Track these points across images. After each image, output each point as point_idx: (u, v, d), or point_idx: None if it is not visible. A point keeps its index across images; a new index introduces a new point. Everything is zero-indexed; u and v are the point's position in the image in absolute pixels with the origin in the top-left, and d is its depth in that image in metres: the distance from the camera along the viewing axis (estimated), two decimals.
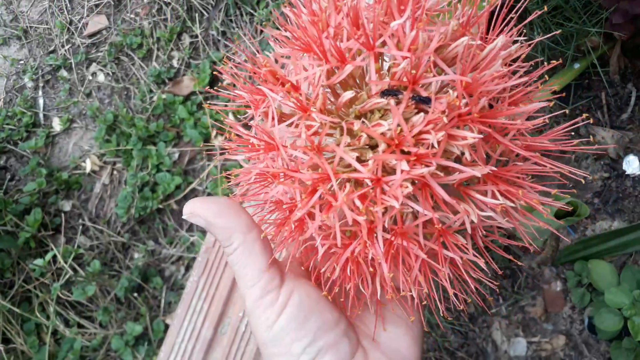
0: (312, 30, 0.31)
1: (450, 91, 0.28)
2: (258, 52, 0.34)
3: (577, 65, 0.88)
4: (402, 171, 0.27)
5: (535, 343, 0.92)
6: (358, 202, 0.28)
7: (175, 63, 1.45)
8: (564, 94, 0.69)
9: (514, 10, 0.37)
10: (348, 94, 0.30)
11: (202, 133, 1.35)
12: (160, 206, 1.34)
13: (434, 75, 0.28)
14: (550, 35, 0.40)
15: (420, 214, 0.28)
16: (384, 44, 0.30)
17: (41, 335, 1.28)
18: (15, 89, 1.50)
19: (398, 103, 0.29)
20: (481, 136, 0.28)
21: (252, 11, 1.41)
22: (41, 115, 1.48)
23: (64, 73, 1.49)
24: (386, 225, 0.30)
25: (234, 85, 0.35)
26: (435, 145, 0.27)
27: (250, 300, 0.34)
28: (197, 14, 1.46)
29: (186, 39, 1.46)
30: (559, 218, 0.69)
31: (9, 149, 1.45)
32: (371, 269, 0.33)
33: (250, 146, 0.34)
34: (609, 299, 0.77)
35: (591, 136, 0.94)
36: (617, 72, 0.88)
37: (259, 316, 0.34)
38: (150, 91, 1.43)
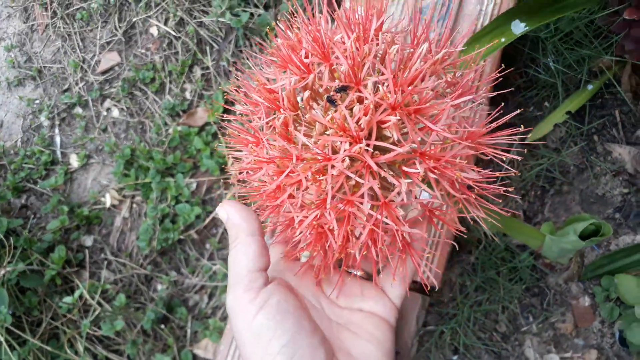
0: (288, 52, 0.41)
1: (381, 87, 0.37)
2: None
3: (590, 87, 0.91)
4: (344, 150, 0.35)
5: (568, 359, 0.93)
6: (309, 175, 0.36)
7: (188, 95, 1.48)
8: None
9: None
10: (306, 93, 0.39)
11: (218, 162, 1.38)
12: (182, 237, 1.36)
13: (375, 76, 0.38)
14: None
15: (364, 184, 0.36)
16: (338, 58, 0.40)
17: None
18: (32, 129, 1.53)
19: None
20: (397, 118, 0.35)
21: (261, 42, 1.44)
22: (59, 153, 1.50)
23: (79, 110, 1.52)
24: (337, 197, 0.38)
25: (242, 104, 0.46)
26: (363, 125, 0.35)
27: (231, 296, 0.37)
28: (207, 47, 1.49)
29: (197, 71, 1.49)
30: (583, 239, 0.72)
31: (29, 188, 1.47)
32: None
33: (245, 142, 0.43)
34: (639, 313, 0.78)
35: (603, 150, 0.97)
36: (630, 90, 0.90)
37: (238, 313, 0.37)
38: (165, 124, 1.46)
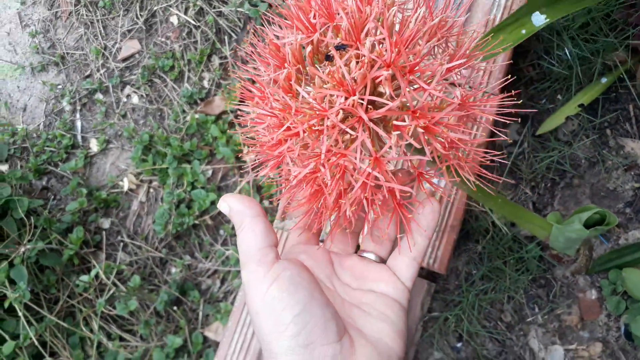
0: (297, 12, 0.43)
1: (377, 45, 0.39)
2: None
3: (604, 80, 0.90)
4: (339, 104, 0.37)
5: (572, 351, 0.94)
6: (306, 127, 0.38)
7: (206, 84, 1.51)
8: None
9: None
10: (309, 48, 0.42)
11: (234, 150, 1.40)
12: (196, 222, 1.38)
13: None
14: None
15: (358, 137, 0.37)
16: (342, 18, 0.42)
17: (84, 348, 1.33)
18: (54, 113, 1.57)
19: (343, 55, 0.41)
20: (389, 72, 0.37)
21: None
22: (79, 137, 1.54)
23: (99, 96, 1.56)
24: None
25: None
26: (358, 79, 0.37)
27: (246, 272, 0.39)
28: (226, 36, 1.51)
29: (216, 61, 1.52)
30: (588, 227, 0.72)
31: (50, 170, 1.51)
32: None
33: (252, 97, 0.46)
34: None
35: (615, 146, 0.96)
36: None
37: (252, 286, 0.38)
38: (183, 111, 1.49)
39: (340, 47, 0.41)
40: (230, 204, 0.43)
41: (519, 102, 0.47)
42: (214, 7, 1.52)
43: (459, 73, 0.49)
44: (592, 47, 0.87)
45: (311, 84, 0.44)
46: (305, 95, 0.40)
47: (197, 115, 1.46)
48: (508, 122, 0.47)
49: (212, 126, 1.43)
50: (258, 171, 0.45)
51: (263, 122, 0.43)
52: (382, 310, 0.42)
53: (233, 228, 1.39)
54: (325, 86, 0.40)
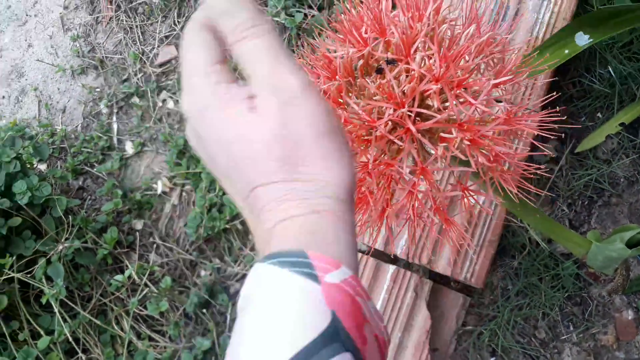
0: (350, 27, 0.45)
1: (426, 60, 0.40)
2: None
3: None
4: (388, 115, 0.39)
5: None
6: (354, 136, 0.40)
7: None
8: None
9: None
10: (360, 62, 0.44)
11: None
12: (227, 226, 1.41)
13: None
14: None
15: (404, 147, 0.39)
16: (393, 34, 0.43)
17: (115, 346, 1.36)
18: (92, 115, 1.61)
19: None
20: (438, 86, 0.38)
21: (313, 41, 1.48)
22: (115, 140, 1.58)
23: (136, 100, 1.59)
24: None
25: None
26: (407, 92, 0.38)
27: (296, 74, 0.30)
28: None
29: None
30: (630, 247, 0.72)
31: (86, 171, 1.55)
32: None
33: None
34: None
35: None
36: None
37: (308, 86, 0.30)
38: None
39: (391, 62, 0.42)
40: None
41: (563, 118, 0.47)
42: None
43: (503, 89, 0.50)
44: (635, 65, 0.87)
45: (361, 96, 0.46)
46: (354, 107, 0.42)
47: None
48: (548, 138, 0.48)
49: None
50: None
51: None
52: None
53: None
54: (375, 98, 0.41)
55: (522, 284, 0.96)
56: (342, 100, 0.45)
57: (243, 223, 1.42)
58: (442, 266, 0.81)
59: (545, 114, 0.47)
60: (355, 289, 0.26)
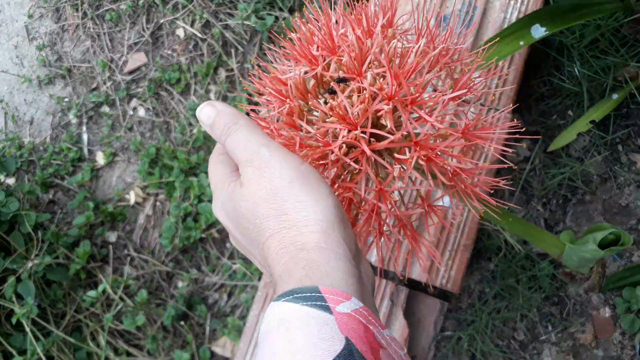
0: (300, 45, 0.44)
1: (377, 79, 0.39)
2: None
3: (615, 96, 0.90)
4: (342, 137, 0.38)
5: None
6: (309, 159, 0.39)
7: (212, 96, 1.51)
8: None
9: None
10: (312, 82, 0.42)
11: None
12: (203, 235, 1.38)
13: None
14: None
15: (361, 169, 0.38)
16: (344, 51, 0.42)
17: None
18: (61, 126, 1.57)
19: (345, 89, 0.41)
20: (389, 107, 0.37)
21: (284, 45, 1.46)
22: (85, 150, 1.54)
23: (106, 109, 1.56)
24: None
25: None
26: (356, 113, 0.37)
27: (266, 150, 0.35)
28: (232, 49, 1.51)
29: (222, 73, 1.52)
30: (602, 248, 0.71)
31: (56, 184, 1.51)
32: None
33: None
34: None
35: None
36: None
37: (281, 160, 0.35)
38: (190, 124, 1.48)
39: (341, 81, 0.41)
40: (218, 106, 0.39)
41: (522, 129, 0.46)
42: (221, 20, 1.52)
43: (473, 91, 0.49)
44: (602, 63, 0.87)
45: (312, 116, 0.44)
46: (308, 129, 0.40)
47: (203, 128, 1.45)
48: (520, 138, 0.47)
49: None
50: None
51: None
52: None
53: None
54: (328, 120, 0.39)
55: (499, 287, 0.95)
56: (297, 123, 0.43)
57: (220, 231, 1.39)
58: (417, 273, 0.80)
59: (505, 126, 0.45)
60: (367, 318, 0.29)
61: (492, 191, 0.49)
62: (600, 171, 0.98)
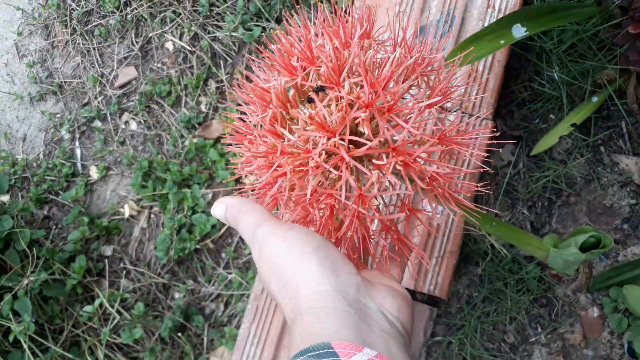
0: (280, 57, 0.46)
1: (354, 88, 0.40)
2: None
3: (595, 99, 0.91)
4: (322, 144, 0.38)
5: None
6: (291, 167, 0.40)
7: (203, 108, 1.52)
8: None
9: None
10: (292, 91, 0.44)
11: (232, 173, 1.41)
12: (198, 246, 1.39)
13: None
14: None
15: (342, 176, 0.39)
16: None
17: None
18: (53, 142, 1.58)
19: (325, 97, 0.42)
20: (366, 114, 0.38)
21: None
22: (79, 165, 1.55)
23: (98, 124, 1.57)
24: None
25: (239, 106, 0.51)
26: (335, 121, 0.39)
27: (261, 231, 0.40)
28: (221, 60, 1.52)
29: (212, 84, 1.53)
30: (584, 251, 0.72)
31: (51, 199, 1.52)
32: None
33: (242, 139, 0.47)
34: None
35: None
36: (635, 101, 0.91)
37: (268, 235, 0.39)
38: (182, 136, 1.50)
39: (319, 89, 0.42)
40: (226, 202, 0.43)
41: (497, 134, 0.47)
42: (209, 32, 1.53)
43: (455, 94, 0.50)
44: (580, 67, 0.88)
45: (293, 124, 0.45)
46: (289, 137, 0.41)
47: (195, 140, 1.47)
48: (504, 143, 0.48)
49: (210, 150, 1.44)
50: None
51: (253, 164, 0.45)
52: (392, 281, 0.43)
53: (235, 251, 1.40)
54: (307, 128, 0.41)
55: (487, 291, 0.97)
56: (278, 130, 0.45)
57: (215, 242, 1.41)
58: (404, 279, 0.81)
59: (480, 130, 0.46)
60: None
61: (474, 196, 0.50)
62: (583, 173, 0.99)
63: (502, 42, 0.73)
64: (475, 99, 0.86)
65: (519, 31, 0.75)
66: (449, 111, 0.50)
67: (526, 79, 0.99)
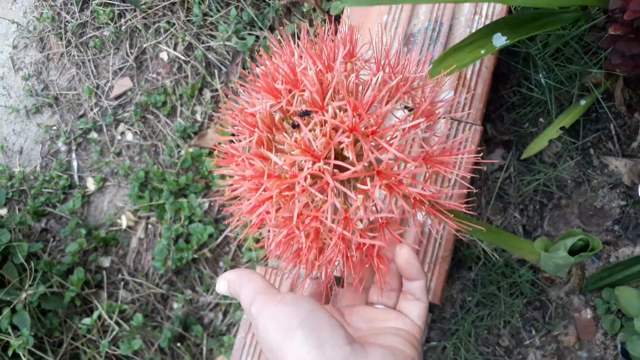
0: (264, 80, 0.46)
1: (338, 112, 0.40)
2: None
3: (583, 102, 0.92)
4: (307, 169, 0.39)
5: None
6: (277, 191, 0.40)
7: (198, 117, 1.53)
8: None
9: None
10: (277, 114, 0.44)
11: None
12: (195, 256, 1.40)
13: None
14: None
15: (328, 200, 0.39)
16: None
17: None
18: (50, 154, 1.59)
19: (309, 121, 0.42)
20: (349, 140, 0.39)
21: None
22: (76, 177, 1.56)
23: (94, 135, 1.58)
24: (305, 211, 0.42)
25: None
26: (319, 146, 0.39)
27: (255, 308, 0.41)
28: (215, 70, 1.53)
29: (207, 94, 1.54)
30: (573, 254, 0.73)
31: (48, 212, 1.53)
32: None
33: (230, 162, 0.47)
34: (638, 326, 0.79)
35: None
36: (623, 103, 0.92)
37: (262, 312, 0.40)
38: (178, 146, 1.51)
39: (304, 114, 0.42)
40: (227, 277, 0.45)
41: (480, 155, 0.48)
42: (203, 42, 1.54)
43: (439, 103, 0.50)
44: (567, 71, 0.89)
45: (280, 147, 0.46)
46: (277, 161, 0.42)
47: (191, 149, 1.47)
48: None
49: (206, 159, 1.45)
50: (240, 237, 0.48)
51: (241, 186, 0.45)
52: (394, 340, 0.43)
53: (232, 260, 1.40)
54: (293, 152, 0.41)
55: (480, 295, 0.97)
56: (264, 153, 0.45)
57: (212, 251, 1.41)
58: None
59: (463, 152, 0.47)
60: None
61: (464, 203, 0.50)
62: (574, 175, 1.00)
63: (482, 51, 0.74)
64: (464, 104, 0.87)
65: (499, 40, 0.75)
66: (438, 118, 0.51)
67: (515, 83, 1.00)
